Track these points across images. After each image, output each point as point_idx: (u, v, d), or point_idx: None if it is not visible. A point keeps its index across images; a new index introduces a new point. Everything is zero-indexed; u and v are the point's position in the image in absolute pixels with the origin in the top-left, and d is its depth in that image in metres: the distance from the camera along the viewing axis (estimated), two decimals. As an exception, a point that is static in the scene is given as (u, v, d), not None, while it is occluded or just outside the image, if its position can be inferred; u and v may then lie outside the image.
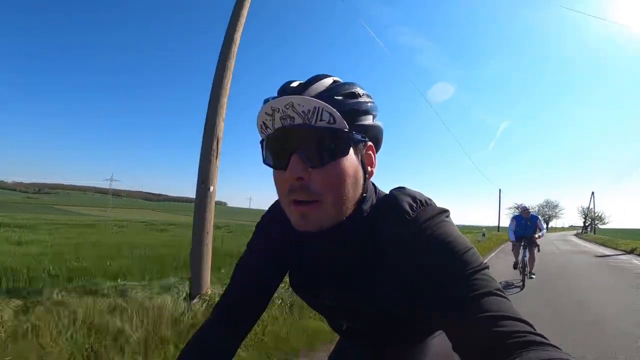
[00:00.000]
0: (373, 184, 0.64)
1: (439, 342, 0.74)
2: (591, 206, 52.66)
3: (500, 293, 0.46)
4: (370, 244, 0.58)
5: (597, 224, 51.33)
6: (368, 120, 0.56)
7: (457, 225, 0.57)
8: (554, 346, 0.40)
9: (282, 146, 0.52)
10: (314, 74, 0.57)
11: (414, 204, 0.57)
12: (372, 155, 0.59)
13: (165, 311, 2.94)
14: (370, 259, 0.59)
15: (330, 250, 0.62)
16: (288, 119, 0.50)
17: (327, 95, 0.52)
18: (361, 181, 0.56)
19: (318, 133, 0.50)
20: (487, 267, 0.50)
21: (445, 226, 0.54)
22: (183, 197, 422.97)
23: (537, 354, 0.37)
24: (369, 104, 0.57)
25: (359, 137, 0.54)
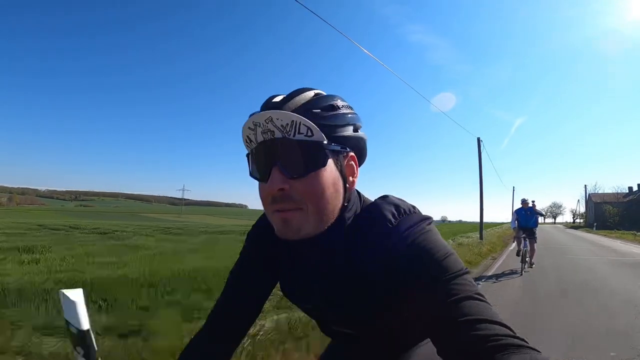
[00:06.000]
0: (358, 193, 0.66)
1: (427, 347, 0.74)
2: (577, 208, 76.95)
3: (480, 297, 0.48)
4: (353, 253, 0.59)
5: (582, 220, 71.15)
6: (347, 131, 0.58)
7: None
8: (532, 348, 0.41)
9: (264, 159, 0.55)
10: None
11: (396, 213, 0.59)
12: (354, 166, 0.60)
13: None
14: (354, 268, 0.59)
15: (315, 259, 0.64)
16: (269, 133, 0.53)
17: (305, 109, 0.55)
18: (342, 191, 0.58)
19: (296, 145, 0.53)
20: (468, 272, 0.52)
21: (426, 234, 0.56)
22: (205, 201, 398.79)
23: (516, 357, 0.39)
24: (349, 116, 0.58)
25: (337, 148, 0.56)
